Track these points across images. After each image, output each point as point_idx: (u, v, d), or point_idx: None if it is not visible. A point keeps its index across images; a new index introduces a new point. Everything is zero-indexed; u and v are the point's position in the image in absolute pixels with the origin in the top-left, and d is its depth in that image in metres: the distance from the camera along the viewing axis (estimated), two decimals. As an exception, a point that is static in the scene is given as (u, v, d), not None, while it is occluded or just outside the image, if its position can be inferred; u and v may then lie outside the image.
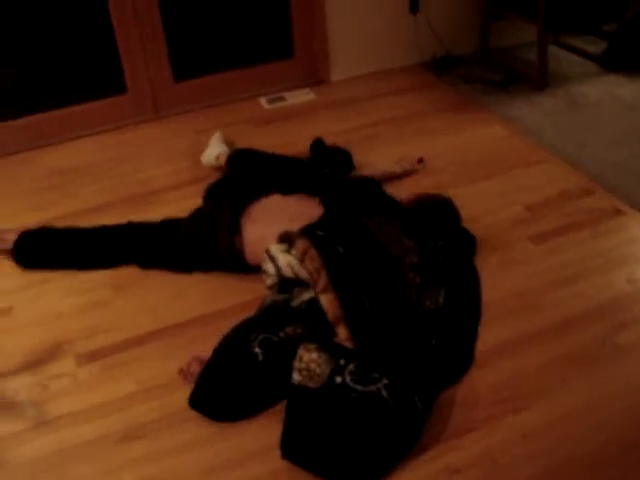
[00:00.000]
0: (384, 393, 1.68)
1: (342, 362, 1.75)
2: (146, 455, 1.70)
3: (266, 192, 2.39)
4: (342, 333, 1.83)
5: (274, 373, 1.81)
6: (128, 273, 2.34)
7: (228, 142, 2.99)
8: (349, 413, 1.66)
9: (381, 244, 2.03)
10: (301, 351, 1.77)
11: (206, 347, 1.97)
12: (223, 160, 2.81)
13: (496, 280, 2.22)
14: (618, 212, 2.54)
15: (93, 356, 2.01)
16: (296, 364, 1.75)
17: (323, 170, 2.61)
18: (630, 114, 3.28)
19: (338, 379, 1.71)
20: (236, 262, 2.22)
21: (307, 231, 2.01)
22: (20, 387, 1.93)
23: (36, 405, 1.86)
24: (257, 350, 1.82)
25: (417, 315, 1.98)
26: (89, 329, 2.12)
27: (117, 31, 3.17)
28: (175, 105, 3.47)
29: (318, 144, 2.87)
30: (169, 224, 2.37)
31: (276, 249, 1.97)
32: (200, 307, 2.16)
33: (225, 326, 1.96)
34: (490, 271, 2.25)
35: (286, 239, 1.99)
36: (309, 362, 1.75)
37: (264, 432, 1.73)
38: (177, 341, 2.05)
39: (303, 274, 1.91)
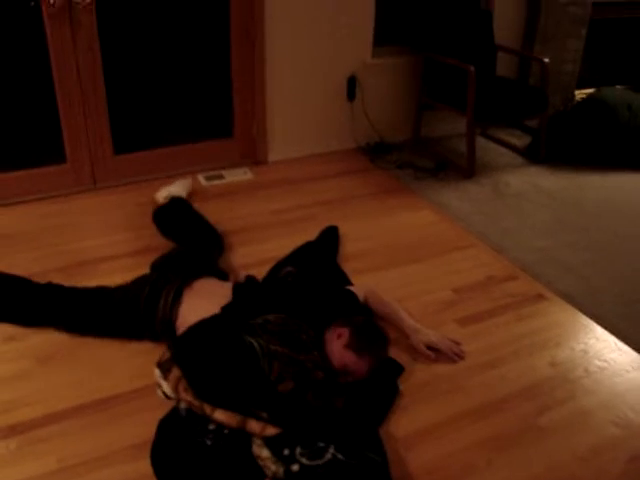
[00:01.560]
0: (340, 456, 1.72)
1: (286, 452, 1.75)
2: (64, 538, 1.63)
3: (210, 272, 2.40)
4: (256, 428, 1.82)
5: (224, 459, 1.79)
6: (52, 344, 2.28)
7: (189, 194, 3.17)
8: None
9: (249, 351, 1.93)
10: (255, 449, 1.78)
11: (130, 424, 1.95)
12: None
13: (423, 363, 2.26)
14: (541, 297, 2.65)
15: (12, 431, 1.93)
16: (260, 462, 1.76)
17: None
18: (551, 204, 3.46)
19: (295, 467, 1.71)
20: (167, 332, 2.20)
21: (178, 355, 1.96)
22: None
23: (-52, 483, 1.77)
24: (207, 440, 1.82)
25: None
26: (8, 402, 2.03)
27: (59, 100, 3.19)
28: (114, 177, 3.48)
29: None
30: (103, 289, 2.35)
31: (157, 376, 1.97)
32: (127, 383, 2.12)
33: (152, 403, 1.93)
34: (418, 353, 2.29)
35: (162, 367, 1.97)
36: (265, 460, 1.75)
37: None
38: (102, 417, 1.99)
39: None
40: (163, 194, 3.11)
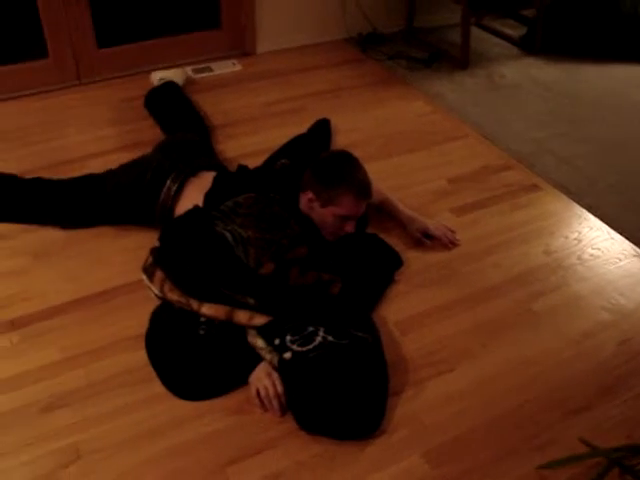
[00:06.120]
0: (330, 338, 1.73)
1: (277, 341, 1.75)
2: (73, 423, 1.67)
3: (211, 165, 2.34)
4: (243, 318, 1.80)
5: (218, 348, 1.80)
6: (48, 240, 2.27)
7: (185, 84, 3.20)
8: (321, 372, 1.68)
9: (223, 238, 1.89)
10: (250, 339, 1.78)
11: (129, 315, 1.97)
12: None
13: (418, 251, 2.28)
14: (535, 187, 2.64)
15: (12, 325, 1.95)
16: (258, 351, 1.77)
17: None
18: (546, 95, 3.40)
19: (287, 355, 1.71)
20: (164, 219, 2.17)
21: (159, 257, 1.93)
22: (-64, 357, 1.85)
23: (-47, 375, 1.79)
24: (201, 330, 1.82)
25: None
26: (8, 298, 2.04)
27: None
28: (99, 72, 3.36)
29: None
30: (92, 175, 2.35)
31: (144, 280, 1.94)
32: (123, 275, 2.12)
33: (148, 295, 1.94)
34: (413, 242, 2.30)
35: (147, 271, 1.94)
36: (261, 350, 1.76)
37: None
38: (100, 310, 2.01)
39: None
40: (158, 76, 3.10)
